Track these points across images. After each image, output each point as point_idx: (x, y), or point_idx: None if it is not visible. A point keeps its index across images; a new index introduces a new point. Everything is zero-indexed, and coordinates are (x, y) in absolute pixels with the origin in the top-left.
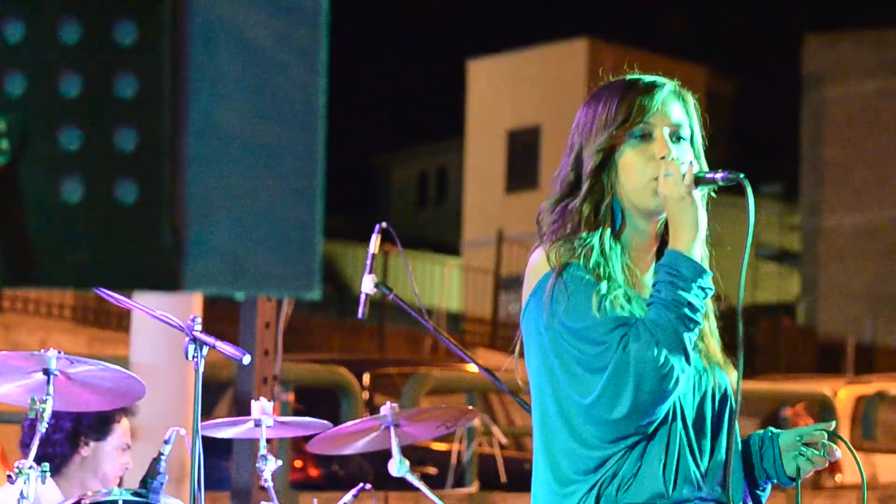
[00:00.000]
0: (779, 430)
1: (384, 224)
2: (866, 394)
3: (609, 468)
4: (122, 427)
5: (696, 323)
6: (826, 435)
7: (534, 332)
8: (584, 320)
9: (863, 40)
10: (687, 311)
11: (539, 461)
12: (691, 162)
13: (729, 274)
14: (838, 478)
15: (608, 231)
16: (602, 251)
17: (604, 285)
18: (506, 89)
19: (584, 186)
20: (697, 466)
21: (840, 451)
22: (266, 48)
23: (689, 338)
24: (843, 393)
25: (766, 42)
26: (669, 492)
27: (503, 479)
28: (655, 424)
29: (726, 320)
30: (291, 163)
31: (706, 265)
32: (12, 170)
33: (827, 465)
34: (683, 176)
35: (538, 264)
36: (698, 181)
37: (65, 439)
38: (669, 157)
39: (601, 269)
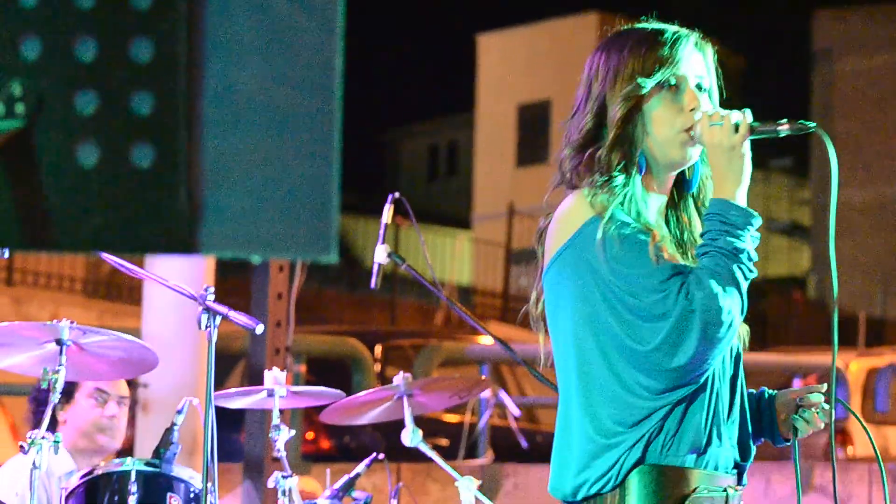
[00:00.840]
0: (774, 391)
1: (397, 194)
2: (878, 366)
3: (655, 422)
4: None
5: (752, 271)
6: (822, 397)
7: (571, 281)
8: (639, 267)
9: (873, 14)
10: (745, 259)
11: (573, 415)
12: (745, 111)
13: None
14: (849, 450)
15: (638, 179)
16: (636, 198)
17: (656, 233)
18: (516, 63)
19: (611, 135)
20: (725, 421)
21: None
22: (282, 11)
23: (745, 286)
24: (855, 365)
25: (775, 16)
26: (705, 448)
27: (524, 445)
28: (705, 377)
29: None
30: (308, 126)
31: None
32: (28, 134)
33: (822, 426)
34: (736, 126)
35: (574, 211)
36: (754, 131)
37: (36, 409)
38: (699, 108)
39: (640, 218)
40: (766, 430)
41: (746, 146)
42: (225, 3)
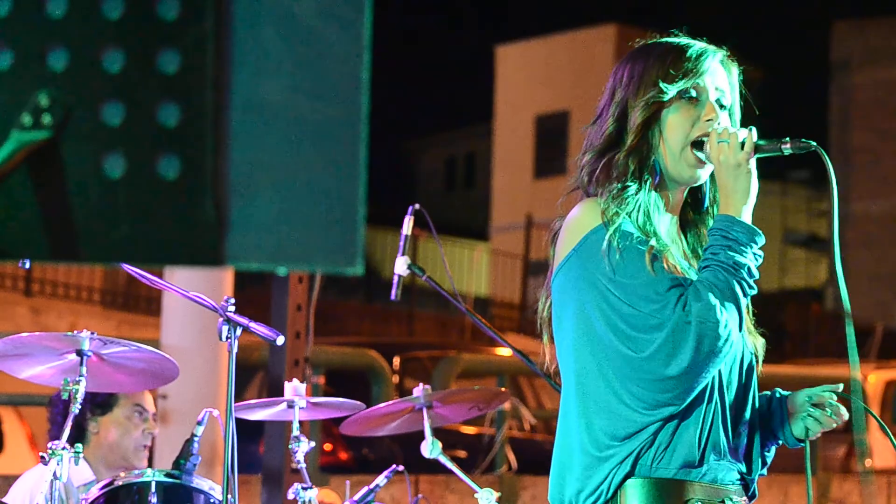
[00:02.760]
0: (786, 392)
1: (417, 206)
2: (895, 378)
3: (647, 436)
4: (131, 394)
5: (752, 288)
6: (835, 396)
7: (574, 289)
8: (638, 277)
9: (891, 26)
10: (745, 274)
11: (571, 425)
12: (750, 129)
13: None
14: (867, 462)
15: (651, 188)
16: (647, 208)
17: (654, 242)
18: (534, 75)
19: (630, 140)
20: (726, 434)
21: (846, 412)
22: (309, 23)
23: (745, 303)
24: (873, 377)
25: (794, 28)
26: (699, 461)
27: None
28: (699, 391)
29: (758, 306)
30: (334, 138)
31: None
32: (55, 145)
33: (834, 426)
34: (742, 143)
35: (582, 219)
36: (758, 149)
37: (64, 420)
38: (716, 121)
39: (648, 227)
40: (777, 430)
41: (753, 164)
42: (252, 15)
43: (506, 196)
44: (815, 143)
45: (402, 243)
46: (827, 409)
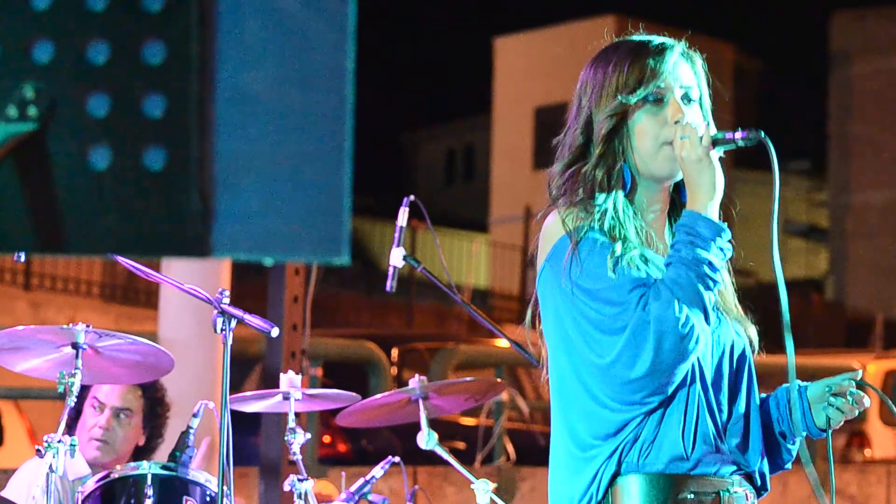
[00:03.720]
0: (806, 383)
1: (412, 197)
2: (895, 368)
3: (629, 432)
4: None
5: (716, 282)
6: (854, 384)
7: (549, 297)
8: (600, 281)
9: (890, 16)
10: (706, 269)
11: (557, 427)
12: (707, 123)
13: (758, 249)
14: (867, 452)
15: (621, 194)
16: (616, 214)
17: (619, 246)
18: (533, 66)
19: (597, 151)
20: (716, 426)
21: (869, 400)
22: (294, 13)
23: (709, 297)
24: (872, 368)
25: (793, 18)
26: (688, 454)
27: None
28: (674, 387)
29: (758, 297)
30: (320, 128)
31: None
32: (40, 137)
33: (857, 413)
34: (701, 138)
35: (552, 229)
36: (716, 142)
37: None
38: (683, 120)
39: (616, 232)
40: (798, 422)
41: (715, 158)
42: (237, 5)
43: (505, 188)
44: (763, 133)
45: (397, 235)
46: (848, 397)
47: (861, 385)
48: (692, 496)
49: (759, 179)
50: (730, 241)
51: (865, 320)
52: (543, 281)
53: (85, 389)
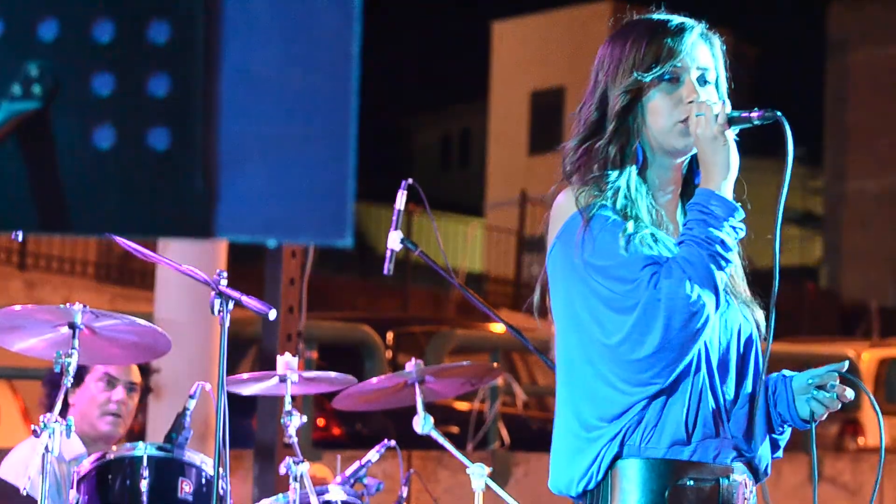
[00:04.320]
0: (792, 373)
1: (410, 180)
2: (890, 356)
3: (634, 415)
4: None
5: (728, 261)
6: (838, 376)
7: (559, 275)
8: (612, 258)
9: (888, 4)
10: (719, 248)
11: (562, 407)
12: (723, 102)
13: (752, 235)
14: (860, 441)
15: (634, 171)
16: (628, 192)
17: (630, 224)
18: (530, 51)
19: (610, 127)
20: (718, 410)
21: (852, 393)
22: None
23: (721, 276)
24: (867, 356)
25: (790, 6)
26: (689, 438)
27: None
28: (682, 367)
29: (751, 283)
30: (324, 110)
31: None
32: (44, 115)
33: (839, 406)
34: (716, 116)
35: (563, 206)
36: (731, 121)
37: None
38: (698, 100)
39: (628, 210)
40: (783, 413)
41: (731, 137)
42: None
43: (501, 172)
44: (779, 112)
45: (395, 218)
46: (830, 391)
47: (845, 378)
48: (692, 482)
49: (752, 166)
50: (742, 220)
51: (859, 308)
52: (553, 258)
53: (82, 369)
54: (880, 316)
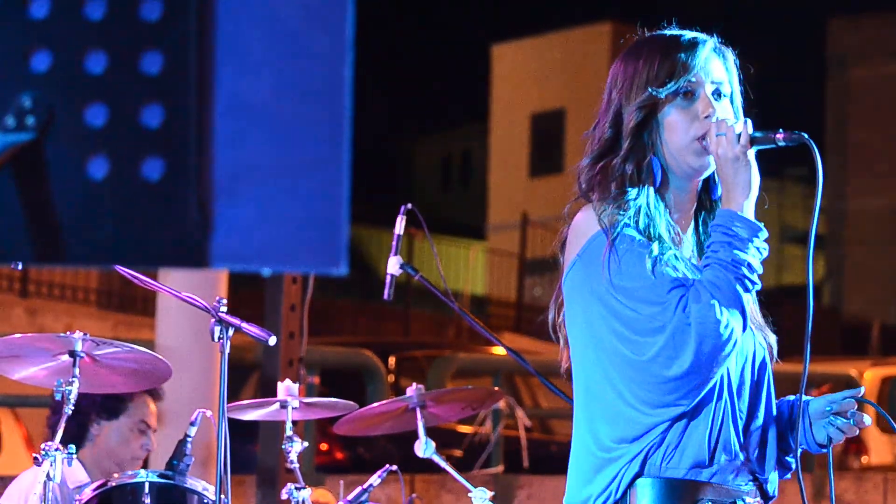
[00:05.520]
0: (807, 398)
1: (409, 205)
2: (892, 374)
3: (656, 436)
4: (138, 407)
5: (754, 283)
6: (855, 403)
7: (579, 294)
8: (639, 280)
9: (887, 21)
10: (745, 270)
11: (580, 428)
12: (745, 121)
13: None
14: (864, 459)
15: (651, 190)
16: (648, 210)
17: (656, 246)
18: (530, 73)
19: (626, 144)
20: (737, 434)
21: (869, 419)
22: (292, 23)
23: (748, 298)
24: (869, 374)
25: (790, 24)
26: (710, 461)
27: (525, 464)
28: (706, 391)
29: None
30: (317, 138)
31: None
32: (38, 146)
33: (857, 433)
34: (738, 136)
35: (585, 224)
36: (754, 141)
37: (69, 418)
38: (714, 116)
39: (651, 230)
40: (800, 437)
41: (752, 156)
42: (235, 14)
43: (502, 194)
44: (806, 135)
45: (394, 243)
46: (850, 418)
47: (862, 403)
48: (709, 503)
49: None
50: (766, 240)
51: (862, 327)
52: (573, 277)
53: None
54: (882, 334)
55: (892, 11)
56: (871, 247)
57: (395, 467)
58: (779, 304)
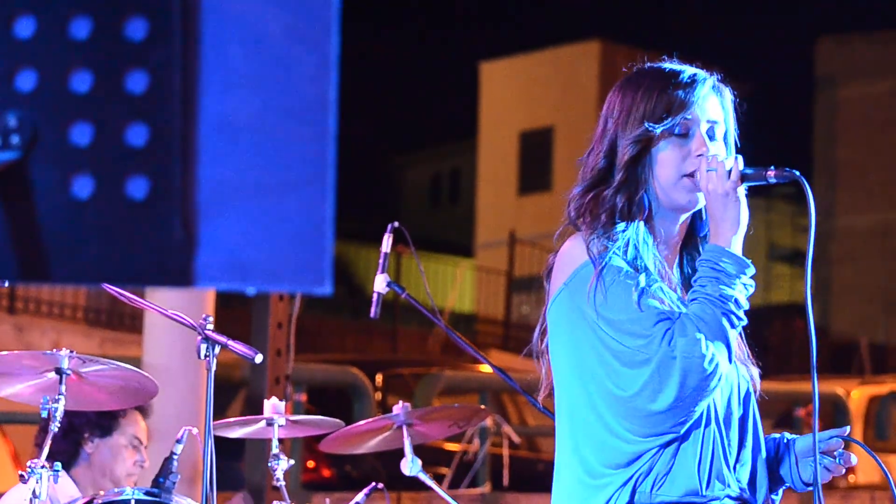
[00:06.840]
0: (793, 436)
1: (396, 224)
2: (879, 394)
3: (643, 463)
4: (130, 423)
5: (740, 319)
6: (842, 442)
7: (564, 323)
8: (624, 312)
9: (876, 40)
10: (732, 306)
11: (565, 454)
12: (736, 157)
13: None
14: (851, 478)
15: (641, 223)
16: (637, 242)
17: (643, 277)
18: (519, 91)
19: (618, 177)
20: (727, 463)
21: (856, 458)
22: (276, 42)
23: (734, 334)
24: (857, 393)
25: (779, 43)
26: (703, 489)
27: (505, 482)
28: (692, 422)
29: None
30: (302, 157)
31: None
32: (23, 165)
33: (843, 472)
34: (729, 172)
35: (572, 253)
36: (745, 177)
37: (63, 436)
38: (707, 154)
39: (638, 262)
40: (784, 476)
41: (742, 193)
42: (219, 34)
43: (490, 212)
44: (798, 173)
45: (381, 261)
46: (837, 458)
47: (848, 442)
48: None
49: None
50: (753, 276)
51: (850, 345)
52: (559, 305)
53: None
54: (870, 352)
55: (880, 32)
56: (859, 265)
57: (381, 485)
58: (766, 323)
